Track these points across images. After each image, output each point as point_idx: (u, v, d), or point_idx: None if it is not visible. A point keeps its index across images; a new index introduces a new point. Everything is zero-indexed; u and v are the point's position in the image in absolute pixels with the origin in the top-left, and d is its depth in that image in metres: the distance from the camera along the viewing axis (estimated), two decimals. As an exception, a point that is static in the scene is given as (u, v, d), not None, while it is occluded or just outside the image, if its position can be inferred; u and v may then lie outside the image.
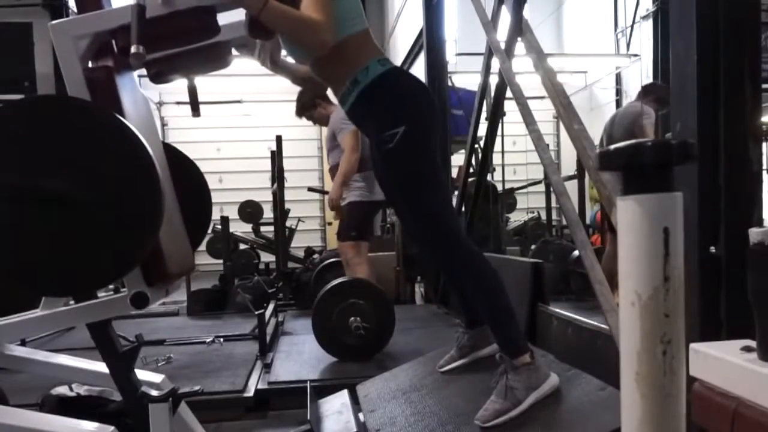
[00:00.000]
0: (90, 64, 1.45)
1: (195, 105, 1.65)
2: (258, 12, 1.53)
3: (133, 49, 1.34)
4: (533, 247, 5.74)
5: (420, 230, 1.84)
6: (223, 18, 1.54)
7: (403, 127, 1.73)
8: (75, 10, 7.42)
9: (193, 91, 1.66)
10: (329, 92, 2.41)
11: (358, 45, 1.79)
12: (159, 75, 1.51)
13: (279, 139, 4.96)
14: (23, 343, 2.67)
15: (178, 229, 1.60)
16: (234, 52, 1.73)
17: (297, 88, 2.03)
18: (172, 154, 1.71)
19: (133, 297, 1.36)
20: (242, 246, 7.05)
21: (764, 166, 1.61)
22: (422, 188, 1.79)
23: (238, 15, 1.63)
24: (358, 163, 3.75)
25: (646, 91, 3.99)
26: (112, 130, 1.26)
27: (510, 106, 3.21)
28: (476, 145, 4.21)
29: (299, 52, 1.87)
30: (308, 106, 3.94)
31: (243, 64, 2.91)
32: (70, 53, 1.40)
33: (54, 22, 1.42)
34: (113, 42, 1.45)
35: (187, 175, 1.71)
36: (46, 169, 1.22)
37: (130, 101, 1.48)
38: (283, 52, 1.98)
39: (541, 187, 6.91)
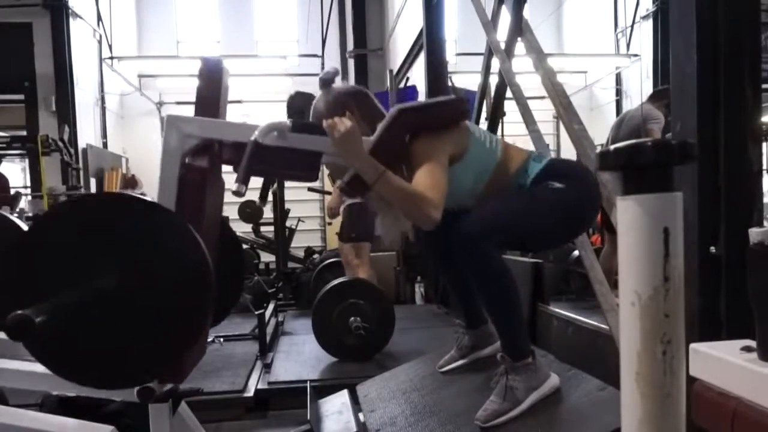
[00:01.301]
0: (188, 159, 1.48)
1: (264, 197, 1.68)
2: (373, 182, 1.55)
3: (235, 187, 1.43)
4: (533, 247, 5.73)
5: (484, 221, 1.74)
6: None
7: (564, 185, 1.71)
8: (74, 9, 7.30)
9: (267, 187, 1.69)
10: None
11: (505, 171, 1.77)
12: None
13: (279, 139, 4.95)
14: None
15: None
16: None
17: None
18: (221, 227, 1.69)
19: (140, 391, 1.35)
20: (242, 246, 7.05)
21: (764, 166, 1.61)
22: (533, 220, 1.75)
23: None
24: None
25: (658, 96, 3.94)
26: (181, 243, 1.24)
27: (510, 106, 3.21)
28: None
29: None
30: (299, 112, 3.92)
31: (243, 64, 2.91)
32: (176, 148, 1.45)
33: (171, 114, 1.48)
34: (216, 145, 1.50)
35: (226, 248, 1.67)
36: (108, 272, 1.22)
37: (209, 195, 1.49)
38: None
39: (541, 187, 6.90)
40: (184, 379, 1.48)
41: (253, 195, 8.37)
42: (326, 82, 1.78)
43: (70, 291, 1.17)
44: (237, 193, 1.43)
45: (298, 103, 3.93)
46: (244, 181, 1.45)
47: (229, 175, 1.51)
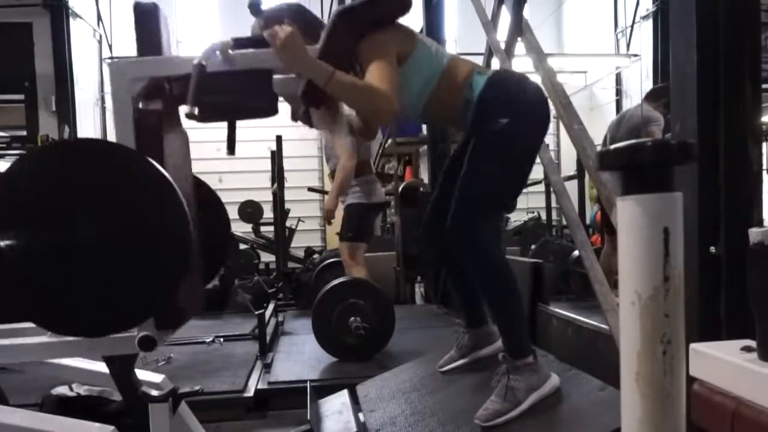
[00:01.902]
0: (140, 104, 1.48)
1: (232, 145, 1.67)
2: (324, 84, 1.55)
3: (188, 110, 1.41)
4: (533, 247, 5.74)
5: (462, 210, 1.77)
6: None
7: (507, 119, 1.72)
8: (74, 9, 7.32)
9: (232, 132, 1.69)
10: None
11: (451, 80, 1.78)
12: (204, 120, 1.54)
13: (279, 139, 4.95)
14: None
15: (195, 272, 1.60)
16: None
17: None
18: (196, 185, 1.70)
19: (141, 340, 1.37)
20: (242, 246, 7.04)
21: (764, 166, 1.61)
22: (500, 175, 1.77)
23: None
24: (359, 167, 3.75)
25: (655, 95, 3.91)
26: (149, 179, 1.27)
27: (510, 106, 3.20)
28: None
29: (376, 122, 1.92)
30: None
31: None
32: (125, 93, 1.44)
33: (113, 60, 1.50)
34: (166, 85, 1.49)
35: (208, 209, 1.69)
36: (77, 216, 1.24)
37: (172, 141, 1.49)
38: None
39: (541, 187, 6.90)
40: (181, 325, 1.50)
41: (253, 195, 8.37)
42: (255, 7, 1.68)
43: (40, 231, 1.21)
44: (190, 115, 1.41)
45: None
46: (194, 103, 1.42)
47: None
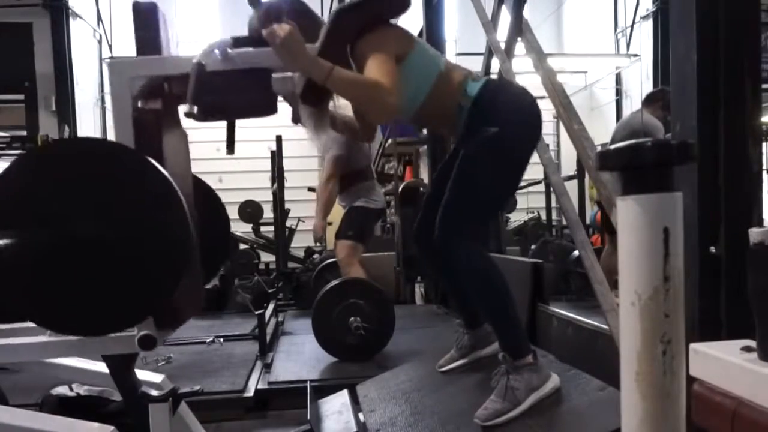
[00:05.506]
0: (140, 103, 1.48)
1: (231, 143, 1.67)
2: (324, 81, 1.55)
3: (186, 109, 1.41)
4: (533, 247, 5.74)
5: (449, 219, 1.78)
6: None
7: (496, 128, 1.72)
8: (74, 9, 7.31)
9: (231, 131, 1.69)
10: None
11: (445, 86, 1.78)
12: (203, 119, 1.54)
13: (279, 139, 4.95)
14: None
15: (195, 272, 1.60)
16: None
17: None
18: (195, 184, 1.70)
19: (141, 339, 1.37)
20: (242, 246, 7.04)
21: (764, 166, 1.61)
22: (487, 183, 1.77)
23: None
24: (357, 173, 3.75)
25: (652, 99, 3.92)
26: (149, 178, 1.28)
27: (510, 106, 3.20)
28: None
29: (376, 119, 1.93)
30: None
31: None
32: (124, 92, 1.44)
33: (112, 59, 1.50)
34: (165, 84, 1.49)
35: (208, 208, 1.69)
36: (79, 212, 1.24)
37: (171, 140, 1.50)
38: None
39: (541, 187, 6.90)
40: (181, 324, 1.51)
41: (253, 195, 8.36)
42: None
43: (39, 229, 1.22)
44: (189, 114, 1.42)
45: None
46: (193, 102, 1.42)
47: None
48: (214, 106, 1.54)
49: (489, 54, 3.31)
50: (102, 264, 1.26)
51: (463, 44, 8.55)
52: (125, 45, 8.75)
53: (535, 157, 2.52)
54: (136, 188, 1.28)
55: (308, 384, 2.42)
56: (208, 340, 3.47)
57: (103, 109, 8.23)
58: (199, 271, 1.62)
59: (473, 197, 1.78)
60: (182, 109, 1.48)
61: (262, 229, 7.17)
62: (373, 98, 1.61)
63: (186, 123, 1.57)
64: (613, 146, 0.64)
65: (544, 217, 7.27)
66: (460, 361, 2.15)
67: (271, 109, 1.62)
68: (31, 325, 1.43)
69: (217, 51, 1.50)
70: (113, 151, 1.33)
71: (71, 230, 1.24)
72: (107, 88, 8.29)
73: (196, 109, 1.43)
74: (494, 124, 1.73)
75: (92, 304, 1.28)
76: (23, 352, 1.49)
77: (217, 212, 1.76)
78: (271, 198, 5.86)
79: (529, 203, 7.90)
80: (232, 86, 1.55)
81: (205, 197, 1.70)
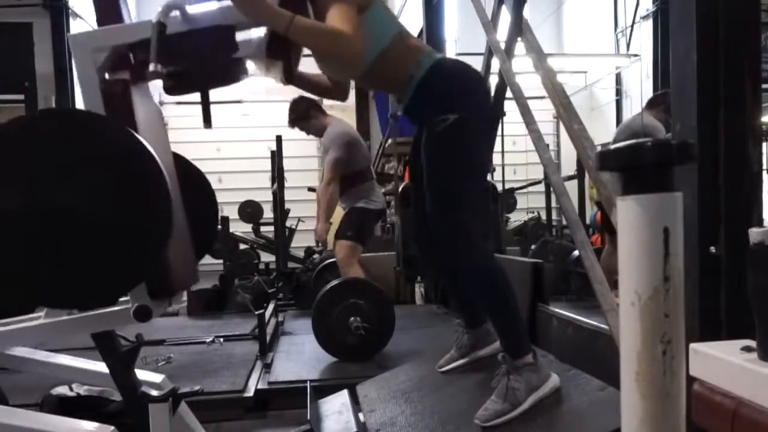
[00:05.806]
0: (107, 75, 1.46)
1: (207, 117, 1.65)
2: (285, 30, 1.54)
3: (151, 67, 1.38)
4: (533, 247, 5.74)
5: (439, 217, 1.79)
6: (241, 34, 1.57)
7: (455, 115, 1.74)
8: (74, 9, 7.31)
9: (206, 103, 1.67)
10: (325, 100, 2.41)
11: (402, 48, 1.81)
12: (174, 88, 1.53)
13: (279, 139, 4.95)
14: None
15: (184, 242, 1.60)
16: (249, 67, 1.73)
17: (298, 89, 2.03)
18: (180, 162, 1.70)
19: (137, 310, 1.37)
20: (242, 246, 7.05)
21: (764, 166, 1.61)
22: (458, 173, 1.79)
23: (255, 31, 1.64)
24: (357, 175, 3.75)
25: (655, 102, 3.92)
26: (122, 145, 1.26)
27: (510, 106, 3.20)
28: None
29: (338, 71, 1.90)
30: (302, 117, 3.92)
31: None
32: (88, 65, 1.42)
33: (74, 33, 1.46)
34: (131, 55, 1.47)
35: (194, 185, 1.70)
36: (56, 183, 1.23)
37: (144, 113, 1.48)
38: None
39: (541, 187, 6.91)
40: (175, 294, 1.50)
41: (253, 195, 8.34)
42: None
43: (12, 199, 1.20)
44: (153, 74, 1.39)
45: (300, 108, 3.93)
46: (156, 60, 1.39)
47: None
48: (181, 76, 1.52)
49: (489, 54, 3.31)
50: (83, 233, 1.23)
51: (463, 44, 8.55)
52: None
53: (535, 157, 2.53)
54: (108, 153, 1.26)
55: (308, 384, 2.42)
56: (208, 340, 3.47)
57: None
58: (188, 240, 1.62)
59: (450, 188, 1.78)
60: (153, 84, 1.45)
61: (262, 229, 7.18)
62: (335, 46, 1.61)
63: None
64: (613, 146, 0.64)
65: (544, 217, 7.28)
66: (460, 361, 2.15)
67: (239, 75, 1.60)
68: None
69: (178, 13, 1.47)
70: (86, 120, 1.31)
71: (48, 199, 1.22)
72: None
73: (160, 66, 1.39)
74: (445, 110, 1.75)
75: (78, 275, 1.26)
76: (18, 337, 1.49)
77: (202, 187, 1.75)
78: (271, 198, 5.86)
79: (529, 203, 7.91)
80: (197, 50, 1.52)
81: (188, 172, 1.69)
